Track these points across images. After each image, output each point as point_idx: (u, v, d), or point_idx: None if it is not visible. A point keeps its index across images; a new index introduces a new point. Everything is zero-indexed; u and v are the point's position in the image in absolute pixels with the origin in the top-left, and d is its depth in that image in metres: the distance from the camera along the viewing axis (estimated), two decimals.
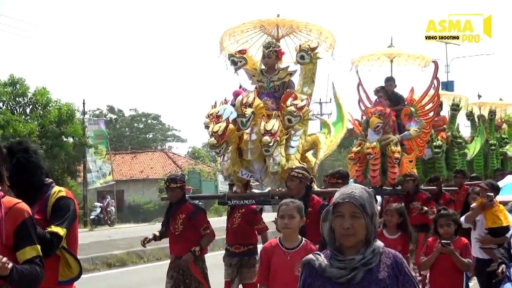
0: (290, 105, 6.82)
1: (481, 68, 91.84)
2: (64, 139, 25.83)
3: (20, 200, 3.07)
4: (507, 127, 15.33)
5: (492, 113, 14.50)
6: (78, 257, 3.70)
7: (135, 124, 57.59)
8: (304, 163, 7.22)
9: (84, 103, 34.17)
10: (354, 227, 2.59)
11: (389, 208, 6.62)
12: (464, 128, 16.32)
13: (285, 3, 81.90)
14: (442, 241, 5.54)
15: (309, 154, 7.64)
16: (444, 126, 12.64)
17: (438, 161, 11.71)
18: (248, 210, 7.19)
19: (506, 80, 77.31)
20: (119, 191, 35.74)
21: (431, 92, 10.73)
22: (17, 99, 25.66)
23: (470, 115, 14.49)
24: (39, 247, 3.04)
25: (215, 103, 7.09)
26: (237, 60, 7.34)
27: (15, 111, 25.34)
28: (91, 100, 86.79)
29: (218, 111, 6.76)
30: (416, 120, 9.94)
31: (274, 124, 6.67)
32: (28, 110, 25.91)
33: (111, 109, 55.25)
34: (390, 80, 10.65)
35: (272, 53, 7.37)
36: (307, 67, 7.48)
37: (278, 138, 6.66)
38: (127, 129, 55.97)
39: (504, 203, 8.91)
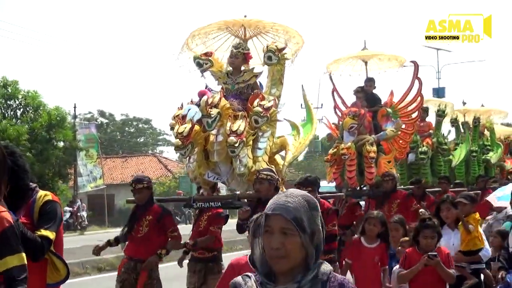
0: (257, 106, 6.72)
1: (473, 74, 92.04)
2: (55, 143, 25.71)
3: (4, 209, 3.06)
4: (489, 134, 15.29)
5: (476, 120, 14.46)
6: (68, 261, 3.71)
7: (126, 128, 57.51)
8: (272, 165, 7.10)
9: (75, 107, 34.32)
10: (285, 247, 2.06)
11: (371, 216, 6.25)
12: (452, 133, 16.29)
13: (257, 6, 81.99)
14: (429, 253, 5.22)
15: (277, 157, 7.52)
16: (430, 132, 12.58)
17: (423, 167, 11.62)
18: (214, 213, 7.04)
19: (498, 86, 77.46)
20: (109, 195, 35.55)
21: (414, 93, 10.66)
22: (8, 102, 25.55)
23: (454, 122, 14.43)
24: (23, 255, 3.03)
25: (181, 105, 6.95)
26: (203, 62, 7.19)
27: (6, 114, 25.25)
28: (82, 104, 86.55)
29: (183, 112, 6.63)
30: (392, 121, 9.90)
31: (240, 125, 6.57)
32: (19, 114, 25.82)
33: (101, 113, 55.15)
34: (370, 81, 10.65)
35: (240, 54, 7.22)
36: (275, 68, 7.35)
37: (244, 139, 6.55)
38: (118, 133, 55.85)
39: (499, 210, 8.80)
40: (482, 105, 16.27)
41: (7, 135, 22.64)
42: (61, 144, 26.40)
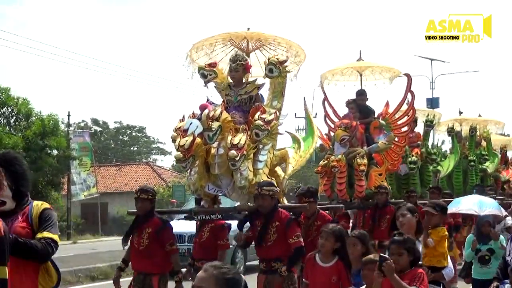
0: (258, 119, 6.77)
1: (468, 84, 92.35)
2: (48, 151, 25.67)
3: None
4: (485, 144, 15.38)
5: (473, 129, 14.54)
6: (61, 269, 3.79)
7: (120, 137, 57.44)
8: (272, 178, 7.17)
9: (69, 115, 34.28)
10: None
11: (324, 228, 5.44)
12: (448, 144, 16.37)
13: (256, 19, 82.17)
14: (381, 254, 4.37)
15: (278, 169, 7.57)
16: (419, 142, 12.63)
17: (413, 177, 11.58)
18: (217, 225, 7.12)
19: (494, 96, 77.72)
20: (103, 204, 35.57)
21: (406, 106, 10.73)
22: (1, 110, 25.50)
23: (451, 131, 14.51)
24: (6, 269, 3.09)
25: (183, 116, 6.99)
26: (207, 73, 7.21)
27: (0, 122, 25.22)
28: (76, 112, 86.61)
29: (185, 126, 6.71)
30: (385, 133, 9.91)
31: (241, 138, 6.60)
32: (12, 121, 25.77)
33: (95, 122, 55.12)
34: (362, 94, 10.65)
35: (239, 67, 7.23)
36: (276, 81, 7.40)
37: (245, 152, 6.59)
38: (111, 141, 55.79)
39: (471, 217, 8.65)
40: (480, 115, 16.37)
41: (4, 145, 22.58)
42: (54, 152, 26.36)
